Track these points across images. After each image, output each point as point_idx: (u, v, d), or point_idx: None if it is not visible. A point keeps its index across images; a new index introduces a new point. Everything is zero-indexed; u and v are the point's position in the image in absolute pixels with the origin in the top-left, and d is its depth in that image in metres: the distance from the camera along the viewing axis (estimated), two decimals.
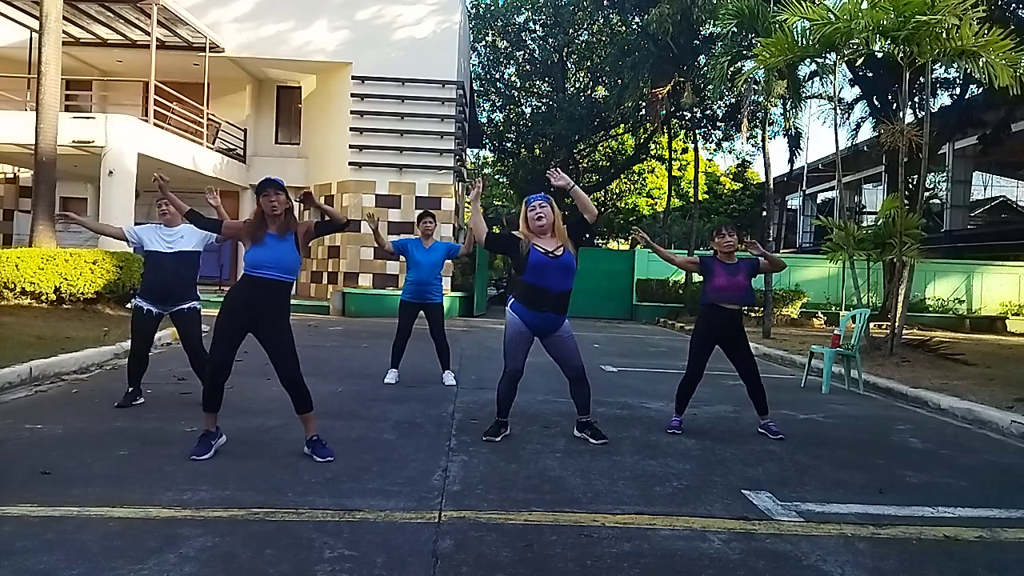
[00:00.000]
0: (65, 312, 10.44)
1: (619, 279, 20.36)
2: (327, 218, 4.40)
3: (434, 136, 17.79)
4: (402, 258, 7.20)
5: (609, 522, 3.42)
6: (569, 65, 30.43)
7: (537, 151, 31.26)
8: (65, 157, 13.37)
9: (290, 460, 4.20)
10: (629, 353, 11.15)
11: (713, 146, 27.93)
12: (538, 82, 31.63)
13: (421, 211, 7.50)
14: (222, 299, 4.37)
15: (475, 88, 27.51)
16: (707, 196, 35.25)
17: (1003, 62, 9.29)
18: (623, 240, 40.37)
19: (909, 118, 13.71)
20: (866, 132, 22.38)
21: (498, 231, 4.95)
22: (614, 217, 38.07)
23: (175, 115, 16.59)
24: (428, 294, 7.05)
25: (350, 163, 17.78)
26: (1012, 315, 20.54)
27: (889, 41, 9.77)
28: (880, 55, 11.47)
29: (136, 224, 6.14)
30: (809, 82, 19.03)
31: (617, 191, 37.67)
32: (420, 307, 7.08)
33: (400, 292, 7.40)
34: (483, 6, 29.60)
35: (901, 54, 9.71)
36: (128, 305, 11.72)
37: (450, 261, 7.40)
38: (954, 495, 4.10)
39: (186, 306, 5.58)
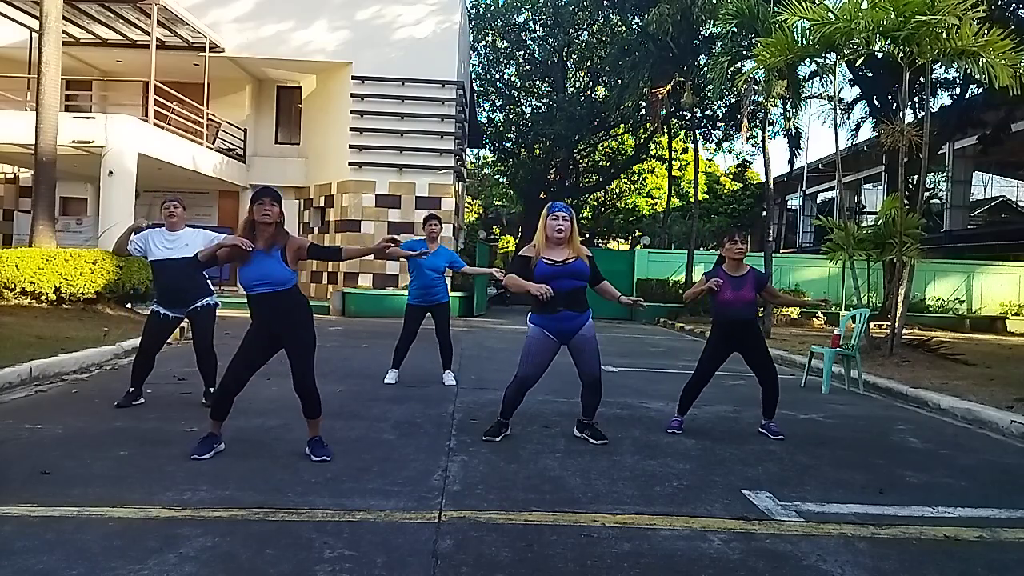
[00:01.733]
0: (65, 312, 10.44)
1: (619, 279, 20.32)
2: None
3: (434, 136, 17.79)
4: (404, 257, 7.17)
5: (609, 522, 3.42)
6: (569, 65, 30.43)
7: (537, 151, 31.26)
8: (65, 157, 13.36)
9: (290, 460, 4.20)
10: (629, 353, 11.14)
11: (713, 146, 27.94)
12: (538, 82, 31.63)
13: (427, 213, 7.49)
14: (231, 299, 4.35)
15: (475, 88, 27.50)
16: (707, 196, 35.22)
17: (1003, 62, 9.29)
18: (623, 240, 40.40)
19: (909, 118, 13.71)
20: (866, 132, 22.40)
21: (517, 259, 4.93)
22: (614, 217, 38.08)
23: (175, 115, 16.58)
24: (434, 295, 7.07)
25: (350, 163, 17.78)
26: (1012, 315, 20.54)
27: (889, 41, 9.77)
28: (880, 55, 11.47)
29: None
30: (809, 82, 19.03)
31: (617, 191, 37.68)
32: (427, 309, 7.09)
33: (402, 292, 7.39)
34: (483, 6, 29.61)
35: (901, 54, 9.71)
36: (128, 305, 11.74)
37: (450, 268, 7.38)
38: (954, 495, 4.10)
39: (200, 304, 5.61)
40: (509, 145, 32.10)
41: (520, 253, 4.90)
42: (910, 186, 14.74)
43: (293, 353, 4.26)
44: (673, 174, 24.82)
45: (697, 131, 22.53)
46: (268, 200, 4.14)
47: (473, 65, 28.70)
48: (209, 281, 5.85)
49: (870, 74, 17.72)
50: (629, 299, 4.88)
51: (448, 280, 7.26)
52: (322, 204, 19.02)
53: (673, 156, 24.56)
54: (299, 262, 4.35)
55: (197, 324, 5.66)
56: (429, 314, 7.11)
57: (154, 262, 5.52)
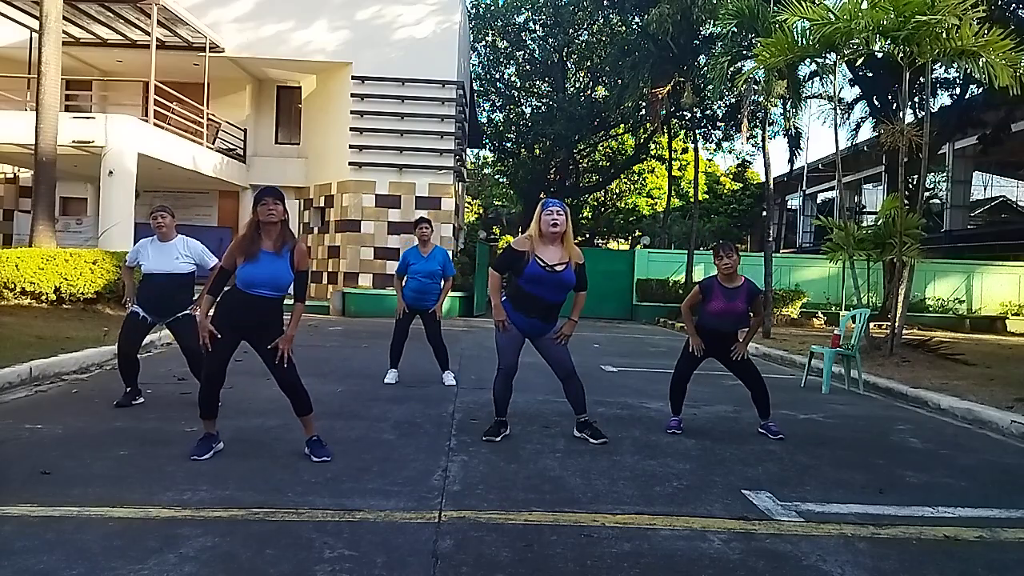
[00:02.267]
0: (65, 312, 10.44)
1: (619, 279, 20.35)
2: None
3: (434, 136, 17.79)
4: None
5: (609, 522, 3.42)
6: (569, 65, 30.42)
7: (537, 151, 31.26)
8: (65, 157, 13.37)
9: (290, 460, 4.20)
10: (629, 353, 11.15)
11: (713, 146, 27.94)
12: (538, 82, 31.62)
13: (418, 216, 7.49)
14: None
15: (475, 88, 27.49)
16: (707, 196, 35.22)
17: (1003, 62, 9.29)
18: (623, 240, 40.38)
19: (909, 118, 13.71)
20: (866, 132, 22.41)
21: (501, 252, 4.97)
22: (614, 217, 38.06)
23: (175, 115, 16.58)
24: (425, 300, 7.03)
25: (350, 163, 17.78)
26: (1012, 315, 20.54)
27: (889, 41, 9.77)
28: (880, 55, 11.47)
29: (142, 231, 6.17)
30: (809, 82, 19.04)
31: (617, 191, 37.67)
32: (416, 312, 7.07)
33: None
34: (483, 6, 29.60)
35: (901, 54, 9.71)
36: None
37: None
38: (954, 495, 4.10)
39: (181, 314, 5.59)
40: (509, 145, 32.09)
41: (513, 246, 4.85)
42: (910, 186, 14.74)
43: (270, 354, 4.19)
44: (673, 174, 24.82)
45: (697, 131, 22.53)
46: (271, 200, 4.13)
47: (473, 65, 28.70)
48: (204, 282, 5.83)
49: (870, 74, 17.72)
50: (563, 332, 4.90)
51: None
52: (322, 204, 19.02)
53: (673, 156, 24.56)
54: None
55: (180, 332, 5.62)
56: (419, 317, 7.08)
57: (145, 274, 5.52)
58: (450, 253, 7.57)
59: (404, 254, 7.15)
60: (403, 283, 7.06)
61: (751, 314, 5.47)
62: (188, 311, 5.61)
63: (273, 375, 4.26)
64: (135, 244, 5.74)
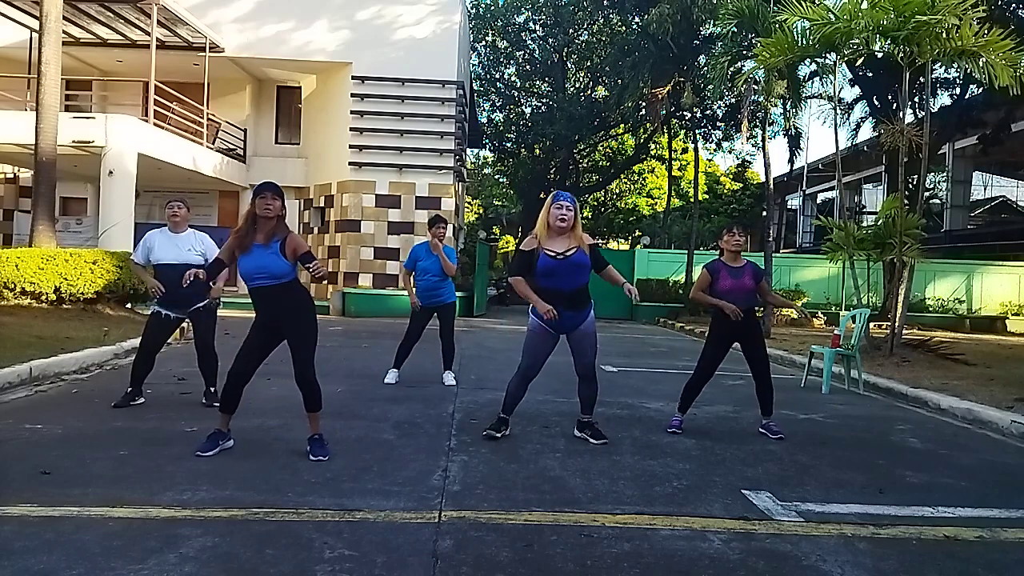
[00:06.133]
0: (65, 312, 10.43)
1: None
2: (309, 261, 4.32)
3: (434, 136, 17.78)
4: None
5: (609, 522, 3.42)
6: (569, 65, 30.42)
7: (537, 151, 31.25)
8: (65, 157, 13.36)
9: (290, 460, 4.20)
10: (629, 353, 11.14)
11: (713, 146, 27.90)
12: (538, 82, 31.62)
13: (434, 215, 7.49)
14: (231, 299, 4.37)
15: (475, 88, 27.48)
16: (707, 196, 35.23)
17: (1003, 62, 9.29)
18: (623, 240, 40.38)
19: (909, 118, 13.71)
20: (866, 132, 22.39)
21: (519, 255, 5.01)
22: (614, 217, 38.07)
23: (175, 115, 16.57)
24: (437, 296, 7.06)
25: (350, 163, 17.77)
26: (1012, 315, 20.54)
27: (889, 41, 9.77)
28: (880, 55, 11.47)
29: (142, 231, 6.16)
30: (809, 82, 19.01)
31: (617, 191, 37.67)
32: (433, 310, 7.09)
33: (402, 292, 7.40)
34: (483, 6, 29.60)
35: (901, 54, 9.72)
36: (128, 305, 11.74)
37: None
38: (954, 495, 4.10)
39: (202, 304, 5.61)
40: (509, 145, 32.08)
41: (522, 248, 4.89)
42: (910, 186, 14.73)
43: (291, 343, 4.30)
44: (673, 174, 24.81)
45: (697, 131, 22.51)
46: (270, 194, 4.19)
47: (473, 65, 28.68)
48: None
49: (870, 74, 17.71)
50: (633, 290, 4.86)
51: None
52: (322, 204, 19.01)
53: (673, 156, 24.56)
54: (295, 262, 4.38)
55: (198, 324, 5.67)
56: (435, 314, 7.12)
57: (157, 264, 5.53)
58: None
59: (414, 249, 7.19)
60: (412, 278, 7.12)
61: (761, 297, 5.55)
62: (207, 301, 5.62)
63: (294, 367, 4.30)
64: (138, 241, 5.74)
